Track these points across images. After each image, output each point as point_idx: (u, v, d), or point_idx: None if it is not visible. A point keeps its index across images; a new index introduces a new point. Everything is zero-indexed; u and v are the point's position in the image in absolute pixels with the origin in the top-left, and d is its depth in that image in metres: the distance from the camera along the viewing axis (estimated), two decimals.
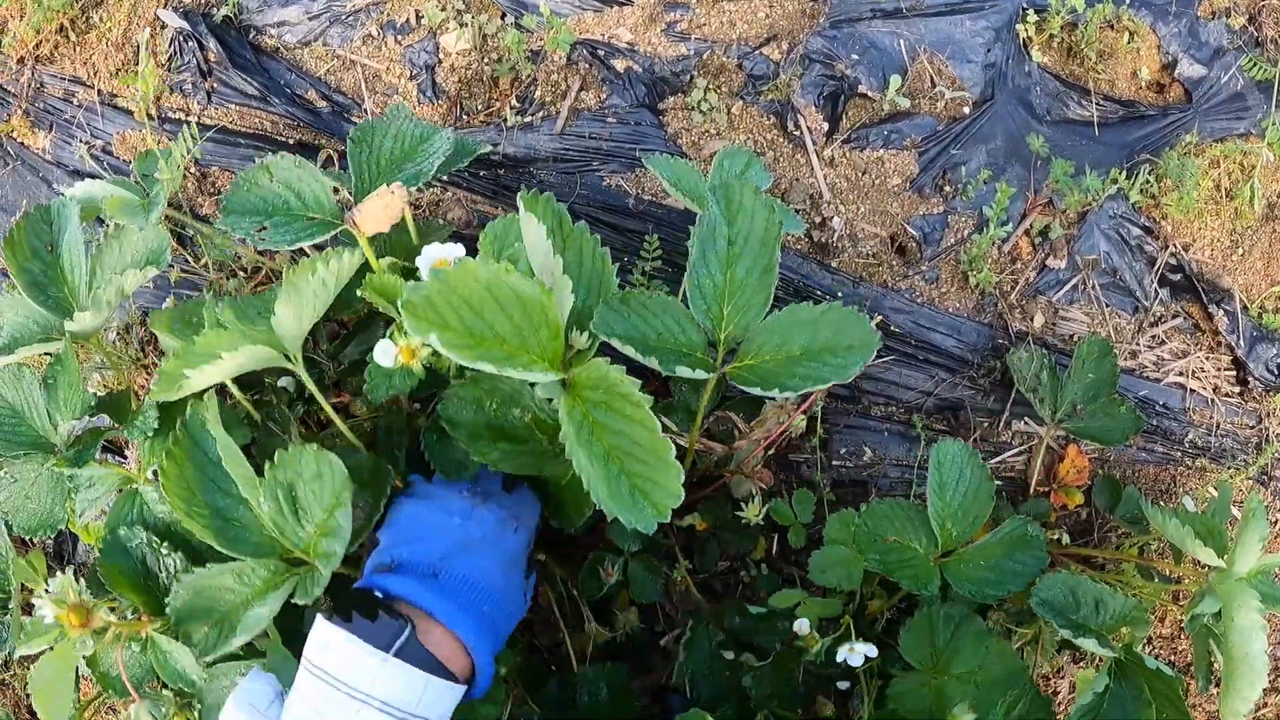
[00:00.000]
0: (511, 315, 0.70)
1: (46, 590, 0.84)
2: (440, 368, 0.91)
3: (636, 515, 0.70)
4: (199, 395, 0.85)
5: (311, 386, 0.86)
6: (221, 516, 0.81)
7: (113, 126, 1.40)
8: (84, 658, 0.97)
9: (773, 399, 1.02)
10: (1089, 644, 0.96)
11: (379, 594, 0.68)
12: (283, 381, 1.08)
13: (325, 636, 0.65)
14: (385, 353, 0.83)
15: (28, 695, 1.58)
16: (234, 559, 0.80)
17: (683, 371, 0.81)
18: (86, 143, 1.40)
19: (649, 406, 0.71)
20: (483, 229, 0.97)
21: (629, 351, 0.80)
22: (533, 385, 0.92)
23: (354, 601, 0.67)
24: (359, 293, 0.95)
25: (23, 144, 1.44)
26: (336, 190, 0.98)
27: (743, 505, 1.04)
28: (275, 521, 0.78)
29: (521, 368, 0.70)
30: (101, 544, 0.94)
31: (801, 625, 0.93)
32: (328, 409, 0.89)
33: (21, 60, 1.44)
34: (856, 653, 0.91)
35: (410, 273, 1.03)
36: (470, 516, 0.76)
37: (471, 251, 0.88)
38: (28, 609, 0.98)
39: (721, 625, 0.98)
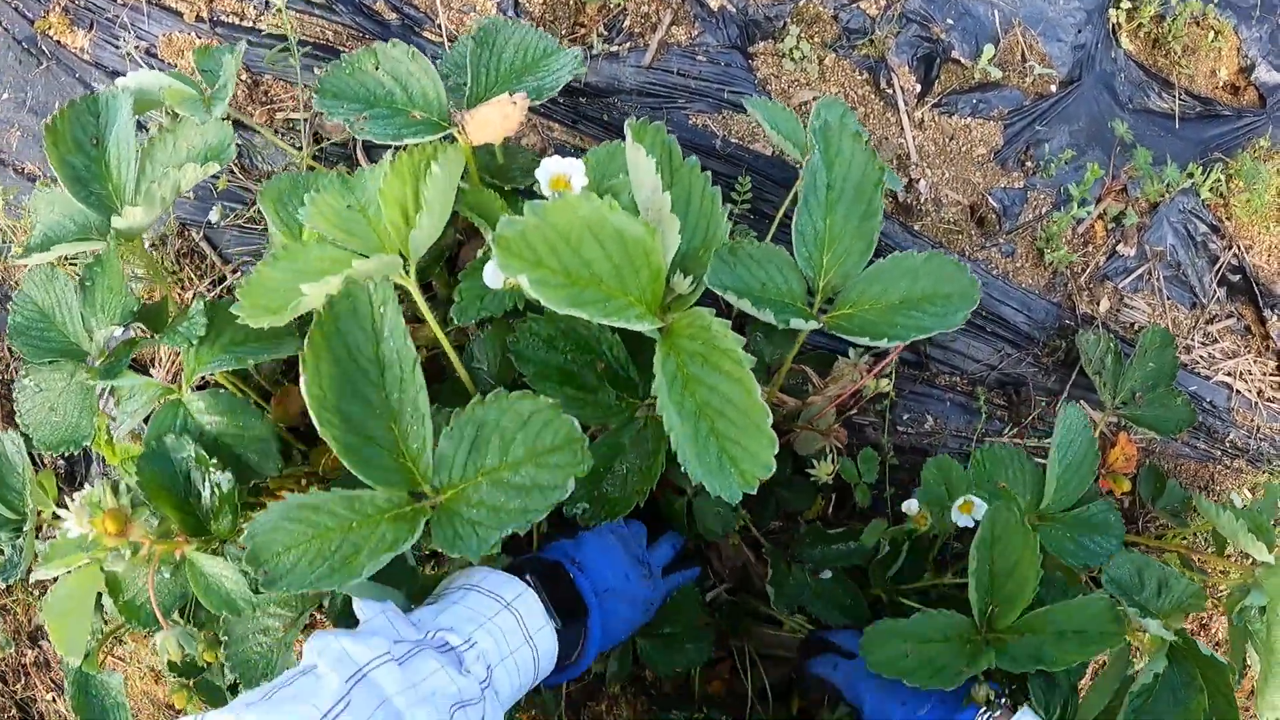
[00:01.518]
0: (611, 255, 0.65)
1: (71, 499, 0.77)
2: None
3: (722, 482, 0.65)
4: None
5: (424, 307, 0.80)
6: (356, 431, 0.68)
7: (159, 28, 1.32)
8: (106, 584, 0.90)
9: (878, 348, 1.01)
10: (1152, 625, 0.96)
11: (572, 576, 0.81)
12: None
13: (521, 589, 0.75)
14: (494, 273, 0.78)
15: (30, 621, 1.50)
16: (365, 486, 0.68)
17: (796, 324, 0.78)
18: (130, 43, 1.33)
19: (749, 367, 0.67)
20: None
21: (744, 306, 0.76)
22: (614, 332, 0.89)
23: (551, 572, 0.80)
24: (453, 208, 0.90)
25: (59, 43, 1.36)
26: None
27: (812, 463, 1.02)
28: (442, 452, 0.69)
29: (617, 312, 0.65)
30: (143, 451, 0.87)
31: (910, 505, 0.92)
32: (442, 339, 0.83)
33: None
34: (972, 509, 0.89)
35: (500, 190, 0.99)
36: (639, 583, 0.88)
37: None
38: (38, 534, 0.92)
39: (799, 559, 0.98)
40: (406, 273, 0.78)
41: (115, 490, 0.79)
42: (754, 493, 0.65)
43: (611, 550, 0.85)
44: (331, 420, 0.66)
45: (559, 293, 0.62)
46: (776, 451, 0.65)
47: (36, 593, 1.49)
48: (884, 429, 1.12)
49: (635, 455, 0.86)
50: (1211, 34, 1.33)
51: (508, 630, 0.71)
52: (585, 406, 0.84)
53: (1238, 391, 1.32)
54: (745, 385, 0.67)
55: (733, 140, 1.13)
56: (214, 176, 1.29)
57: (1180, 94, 1.30)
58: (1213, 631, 1.36)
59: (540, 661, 0.74)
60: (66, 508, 0.76)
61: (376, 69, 0.89)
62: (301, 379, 0.66)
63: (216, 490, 0.83)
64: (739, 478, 0.65)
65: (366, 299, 0.69)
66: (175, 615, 0.90)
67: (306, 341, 0.67)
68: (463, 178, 0.91)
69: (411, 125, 0.86)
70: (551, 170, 0.78)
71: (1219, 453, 1.31)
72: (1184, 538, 1.29)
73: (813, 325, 0.78)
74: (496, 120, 0.81)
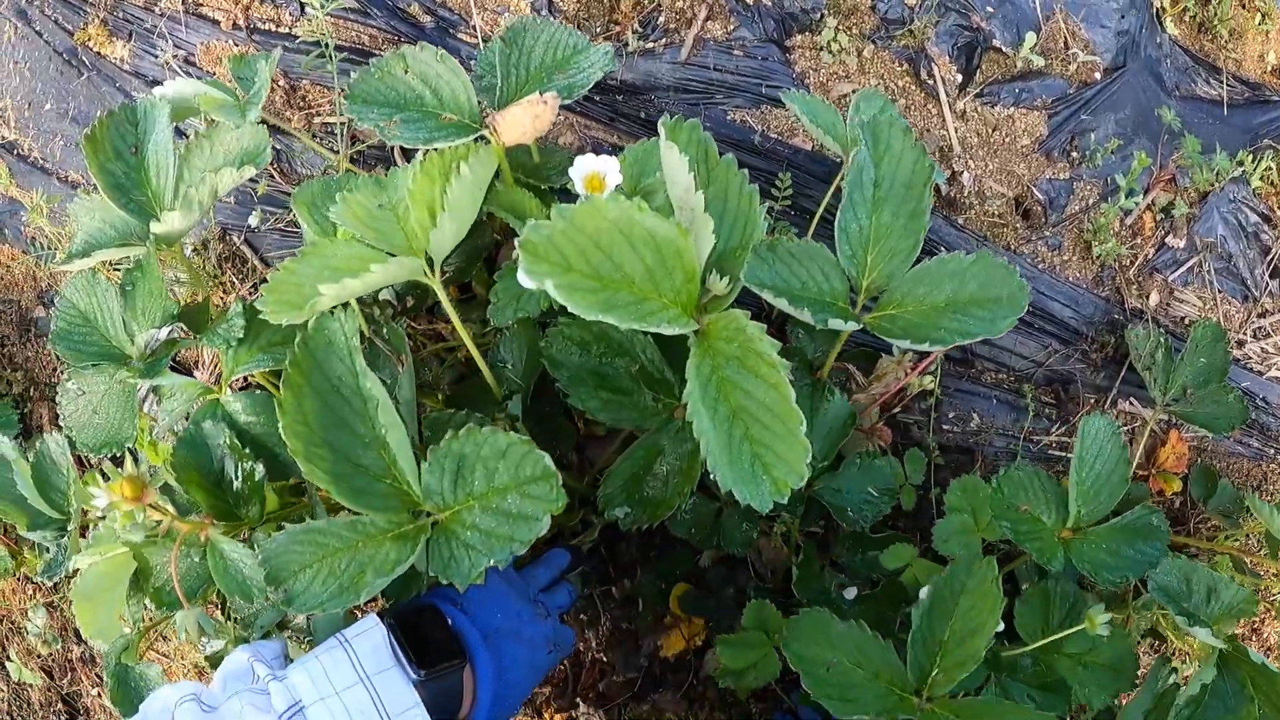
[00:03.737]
0: (643, 257, 0.64)
1: (103, 475, 0.77)
2: None
3: (754, 490, 0.64)
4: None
5: (448, 307, 0.80)
6: (346, 459, 0.69)
7: (197, 36, 1.33)
8: (136, 571, 0.90)
9: (922, 351, 0.99)
10: (1201, 633, 0.92)
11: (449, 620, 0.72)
12: (385, 294, 1.03)
13: (368, 626, 0.68)
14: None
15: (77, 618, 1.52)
16: (356, 513, 0.69)
17: (835, 324, 0.76)
18: (169, 52, 1.34)
19: (784, 372, 0.65)
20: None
21: (781, 304, 0.75)
22: (647, 334, 0.87)
23: (419, 613, 0.71)
24: (485, 208, 0.89)
25: (99, 54, 1.37)
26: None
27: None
28: (427, 484, 0.69)
29: (650, 315, 0.63)
30: (181, 435, 0.88)
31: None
32: (465, 337, 0.83)
33: None
34: None
35: (536, 190, 0.98)
36: (535, 621, 0.79)
37: None
38: (84, 533, 0.93)
39: (835, 562, 0.95)
40: (432, 272, 0.78)
41: (135, 460, 0.80)
42: (784, 502, 0.63)
43: (498, 589, 0.78)
44: (320, 454, 0.67)
45: (589, 298, 0.61)
46: (809, 459, 0.63)
47: (79, 574, 1.51)
48: (928, 428, 1.09)
49: (674, 456, 0.85)
50: (1259, 16, 1.29)
51: (333, 667, 0.65)
52: (622, 409, 0.83)
53: None
54: (781, 391, 0.65)
55: (772, 135, 1.11)
56: (253, 181, 1.30)
57: (1228, 79, 1.26)
58: (1264, 636, 1.32)
59: (385, 706, 0.66)
60: (100, 477, 0.77)
61: (406, 72, 0.88)
62: (280, 423, 0.65)
63: (249, 478, 0.83)
64: (771, 486, 0.64)
65: (340, 330, 0.69)
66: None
67: (283, 383, 0.67)
68: (497, 178, 0.90)
69: (442, 128, 0.85)
70: (586, 169, 0.77)
71: (1273, 451, 1.27)
72: (1236, 540, 1.25)
73: (853, 326, 0.77)
74: (527, 120, 0.80)
